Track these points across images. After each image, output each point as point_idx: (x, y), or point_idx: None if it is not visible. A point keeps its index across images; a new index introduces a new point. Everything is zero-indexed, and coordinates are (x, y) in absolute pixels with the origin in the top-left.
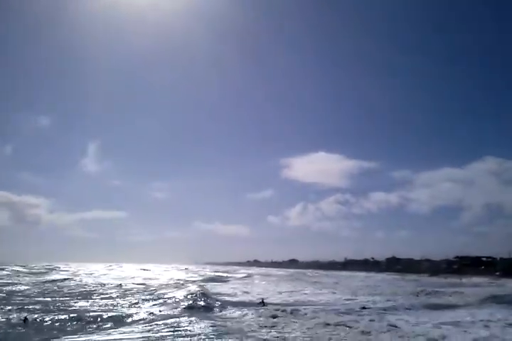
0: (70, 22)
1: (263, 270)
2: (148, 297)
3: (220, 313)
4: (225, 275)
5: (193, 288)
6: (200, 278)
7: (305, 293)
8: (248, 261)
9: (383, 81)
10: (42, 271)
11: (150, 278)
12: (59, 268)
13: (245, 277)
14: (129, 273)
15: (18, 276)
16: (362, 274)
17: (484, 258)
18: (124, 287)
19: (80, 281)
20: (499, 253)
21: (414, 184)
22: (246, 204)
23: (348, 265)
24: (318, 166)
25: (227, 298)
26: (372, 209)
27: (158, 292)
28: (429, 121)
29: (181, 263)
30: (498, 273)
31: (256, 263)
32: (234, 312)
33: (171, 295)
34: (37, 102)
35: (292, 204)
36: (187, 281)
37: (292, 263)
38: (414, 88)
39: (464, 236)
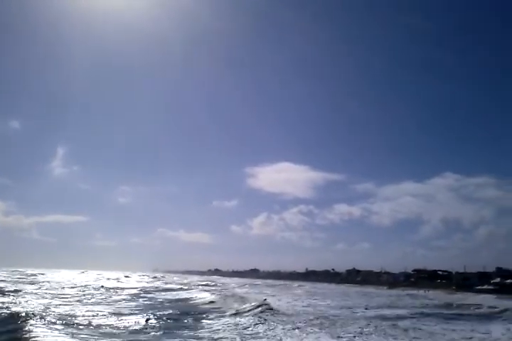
0: (41, 24)
1: (212, 279)
2: None
3: None
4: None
5: None
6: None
7: None
8: (209, 270)
9: (349, 95)
10: None
11: None
12: None
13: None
14: None
15: None
16: (319, 286)
17: (441, 272)
18: None
19: None
20: (455, 267)
21: (377, 197)
22: (211, 213)
23: (309, 276)
24: (284, 176)
25: None
26: (335, 220)
27: None
28: (393, 137)
29: (140, 270)
30: (454, 287)
31: (217, 272)
32: None
33: None
34: (7, 106)
35: (256, 214)
36: None
37: (253, 273)
38: (379, 104)
39: (423, 250)
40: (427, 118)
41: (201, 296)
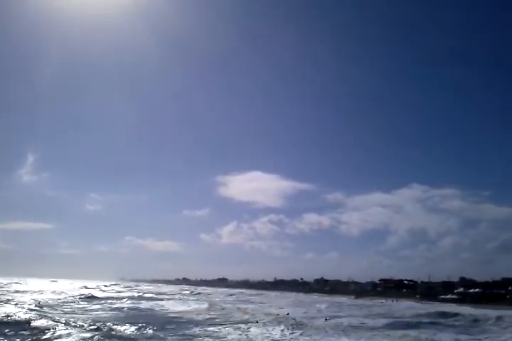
0: (9, 30)
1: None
2: None
3: None
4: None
5: None
6: None
7: None
8: (177, 279)
9: (321, 105)
10: None
11: None
12: None
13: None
14: None
15: None
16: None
17: (406, 282)
18: None
19: None
20: (420, 277)
21: (346, 207)
22: (180, 221)
23: (278, 285)
24: (254, 185)
25: None
26: (305, 230)
27: None
28: (363, 148)
29: (106, 279)
30: (418, 296)
31: (185, 281)
32: None
33: None
34: None
35: (226, 223)
36: None
37: (222, 282)
38: (350, 115)
39: (389, 260)
40: (395, 130)
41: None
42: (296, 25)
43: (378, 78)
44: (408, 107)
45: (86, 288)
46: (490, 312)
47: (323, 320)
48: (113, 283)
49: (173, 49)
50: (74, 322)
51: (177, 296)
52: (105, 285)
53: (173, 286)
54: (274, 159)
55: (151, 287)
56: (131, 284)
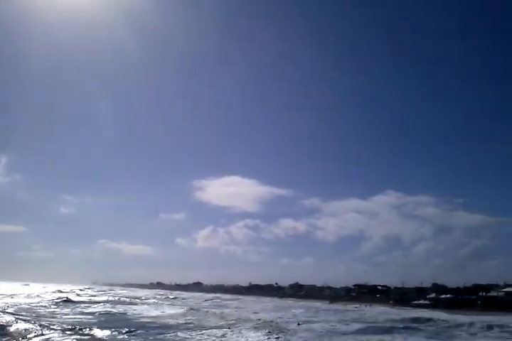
0: None
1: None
2: None
3: None
4: None
5: None
6: None
7: None
8: (151, 283)
9: (298, 111)
10: None
11: None
12: None
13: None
14: None
15: None
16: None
17: (380, 287)
18: None
19: None
20: (394, 283)
21: (322, 213)
22: (156, 225)
23: (252, 289)
24: (231, 190)
25: None
26: (281, 235)
27: None
28: (339, 154)
29: (79, 283)
30: (391, 302)
31: (159, 285)
32: None
33: None
34: None
35: (202, 227)
36: None
37: (197, 286)
38: (326, 121)
39: (364, 265)
40: (372, 137)
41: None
42: (275, 22)
43: (358, 78)
44: (386, 113)
45: (60, 291)
46: (461, 318)
47: (296, 324)
48: (86, 286)
49: (152, 48)
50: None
51: (152, 301)
52: (80, 289)
53: (148, 291)
54: (252, 164)
55: (125, 291)
56: (105, 288)
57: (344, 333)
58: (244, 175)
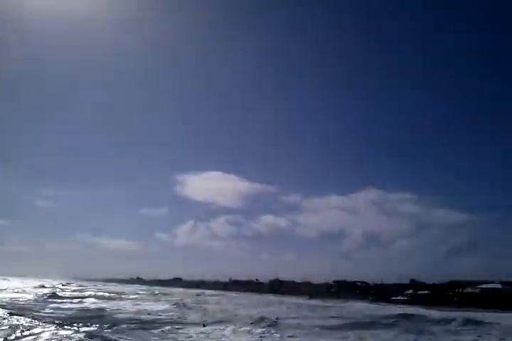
0: None
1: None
2: None
3: None
4: None
5: None
6: None
7: None
8: (131, 278)
9: (279, 109)
10: None
11: None
12: None
13: None
14: None
15: None
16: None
17: (359, 283)
18: None
19: None
20: (373, 279)
21: (303, 209)
22: (136, 219)
23: (233, 285)
24: (213, 185)
25: None
26: (262, 231)
27: None
28: (321, 151)
29: (57, 278)
30: (370, 298)
31: (139, 280)
32: None
33: None
34: None
35: (183, 222)
36: None
37: (177, 282)
38: (308, 119)
39: (344, 261)
40: (354, 134)
41: None
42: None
43: (335, 77)
44: (365, 110)
45: (43, 287)
46: (437, 314)
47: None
48: (65, 282)
49: (135, 38)
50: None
51: (138, 296)
52: (63, 285)
53: (130, 286)
54: (234, 160)
55: (107, 287)
56: (86, 283)
57: (323, 328)
58: (226, 170)
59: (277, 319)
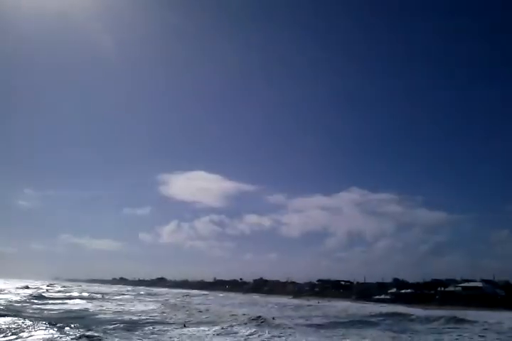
0: None
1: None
2: None
3: None
4: None
5: None
6: None
7: None
8: (114, 279)
9: (264, 108)
10: None
11: None
12: None
13: None
14: None
15: None
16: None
17: (343, 282)
18: None
19: None
20: (356, 278)
21: (287, 209)
22: (120, 219)
23: (217, 285)
24: (197, 185)
25: None
26: (246, 230)
27: None
28: (305, 151)
29: (40, 278)
30: (354, 297)
31: (122, 280)
32: None
33: None
34: None
35: (166, 222)
36: None
37: (160, 282)
38: (292, 119)
39: (328, 261)
40: (337, 136)
41: None
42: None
43: (318, 78)
44: (349, 111)
45: (28, 288)
46: (419, 312)
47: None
48: (47, 282)
49: (115, 39)
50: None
51: (126, 296)
52: (48, 285)
53: (114, 286)
54: (218, 159)
55: (92, 287)
56: (69, 284)
57: (308, 327)
58: (210, 170)
59: (263, 319)
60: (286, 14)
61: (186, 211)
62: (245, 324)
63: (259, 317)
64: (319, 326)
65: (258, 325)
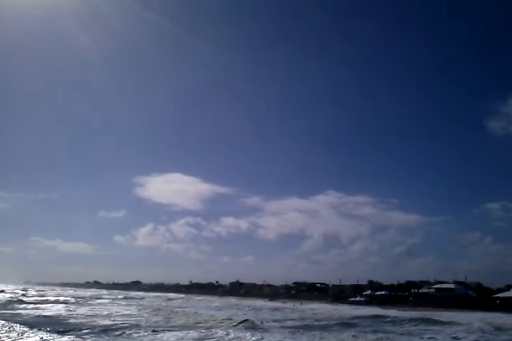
0: None
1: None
2: None
3: None
4: None
5: None
6: None
7: None
8: (88, 282)
9: (240, 109)
10: None
11: None
12: None
13: None
14: None
15: None
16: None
17: (319, 285)
18: None
19: None
20: (332, 280)
21: (264, 211)
22: (94, 222)
23: (193, 288)
24: (173, 187)
25: None
26: (222, 233)
27: None
28: (281, 153)
29: (9, 282)
30: (329, 299)
31: (96, 284)
32: None
33: None
34: None
35: (142, 224)
36: None
37: (135, 285)
38: (268, 119)
39: (304, 263)
40: (314, 137)
41: None
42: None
43: (299, 79)
44: (325, 114)
45: (3, 291)
46: (392, 313)
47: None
48: (19, 287)
49: (97, 40)
50: None
51: (105, 301)
52: (22, 290)
53: (88, 290)
54: (194, 162)
55: (66, 292)
56: (42, 288)
57: (284, 329)
58: (186, 172)
59: (240, 322)
60: (269, 15)
61: (163, 213)
62: (222, 328)
63: (246, 320)
64: (296, 329)
65: (236, 329)
